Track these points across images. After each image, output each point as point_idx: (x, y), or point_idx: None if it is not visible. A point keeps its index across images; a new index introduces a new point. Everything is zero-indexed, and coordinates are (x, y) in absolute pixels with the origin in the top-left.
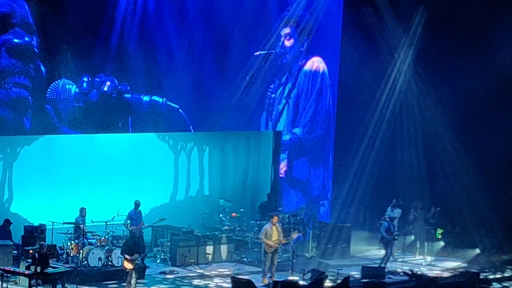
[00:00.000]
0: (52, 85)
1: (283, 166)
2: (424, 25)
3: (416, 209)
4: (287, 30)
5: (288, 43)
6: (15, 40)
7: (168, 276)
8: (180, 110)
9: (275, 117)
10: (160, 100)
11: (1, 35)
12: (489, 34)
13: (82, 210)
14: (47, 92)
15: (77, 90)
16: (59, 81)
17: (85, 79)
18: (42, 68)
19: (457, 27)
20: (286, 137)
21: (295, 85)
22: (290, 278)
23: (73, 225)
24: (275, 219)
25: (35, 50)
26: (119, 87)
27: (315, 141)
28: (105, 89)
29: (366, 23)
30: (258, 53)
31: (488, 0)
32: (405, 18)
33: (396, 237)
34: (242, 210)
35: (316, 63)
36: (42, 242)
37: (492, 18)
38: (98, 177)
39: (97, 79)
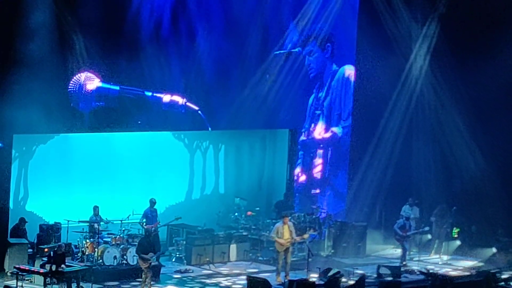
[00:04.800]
0: (74, 78)
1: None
2: (439, 23)
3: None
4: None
5: (312, 58)
6: None
7: (188, 275)
8: (199, 111)
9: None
10: (180, 100)
11: None
12: (505, 32)
13: (95, 209)
14: (69, 86)
15: (99, 84)
16: (81, 74)
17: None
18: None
19: (472, 25)
20: (326, 134)
21: (328, 93)
22: (311, 275)
23: (88, 224)
24: (286, 219)
25: None
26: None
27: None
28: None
29: (382, 22)
30: (278, 52)
31: None
32: (420, 16)
33: (409, 235)
34: (258, 208)
35: (348, 71)
36: (60, 243)
37: (508, 16)
38: (113, 176)
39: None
